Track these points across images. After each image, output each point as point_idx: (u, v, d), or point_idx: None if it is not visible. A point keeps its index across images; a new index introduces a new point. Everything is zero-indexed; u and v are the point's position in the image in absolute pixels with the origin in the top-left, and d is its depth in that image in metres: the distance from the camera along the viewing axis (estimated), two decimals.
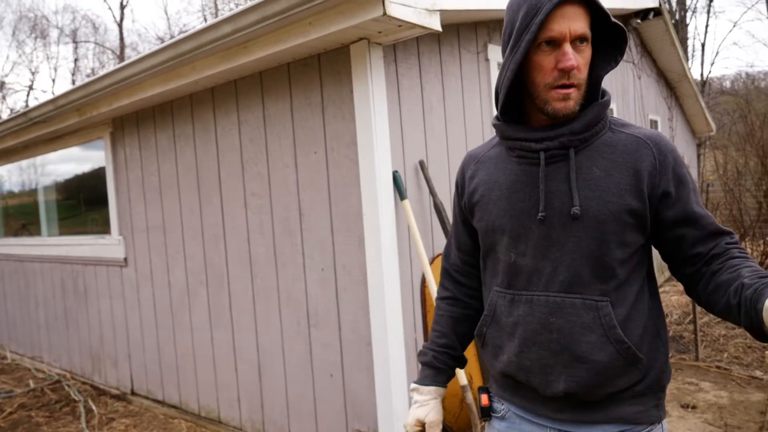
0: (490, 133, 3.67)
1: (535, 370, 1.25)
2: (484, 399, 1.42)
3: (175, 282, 4.01)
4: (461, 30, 3.46)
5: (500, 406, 1.39)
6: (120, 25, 26.56)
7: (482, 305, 1.44)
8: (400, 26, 2.51)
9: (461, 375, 2.83)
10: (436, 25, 2.59)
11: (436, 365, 1.48)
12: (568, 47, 1.13)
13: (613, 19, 1.16)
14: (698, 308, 5.09)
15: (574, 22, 1.13)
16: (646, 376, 1.22)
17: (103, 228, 4.72)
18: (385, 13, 2.29)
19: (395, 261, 2.83)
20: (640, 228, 1.20)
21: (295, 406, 3.25)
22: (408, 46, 3.02)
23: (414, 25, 2.50)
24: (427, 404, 1.44)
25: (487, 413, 1.43)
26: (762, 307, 0.97)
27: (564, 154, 1.21)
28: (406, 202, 2.84)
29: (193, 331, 3.90)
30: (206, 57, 3.04)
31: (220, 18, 2.75)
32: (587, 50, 1.17)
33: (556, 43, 1.15)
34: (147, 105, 3.97)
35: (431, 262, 3.05)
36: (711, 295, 1.13)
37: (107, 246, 4.60)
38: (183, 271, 3.92)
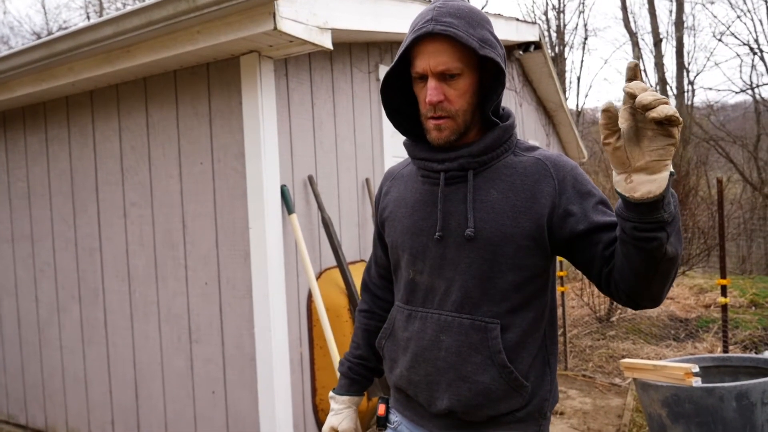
0: (381, 152, 3.77)
1: (422, 386, 1.28)
2: (381, 409, 1.46)
3: (43, 296, 3.72)
4: (353, 49, 3.53)
5: (395, 418, 1.42)
6: None
7: None
8: (291, 42, 2.53)
9: None
10: (327, 43, 2.63)
11: (351, 376, 1.52)
12: (431, 82, 1.18)
13: (482, 51, 1.16)
14: (568, 321, 5.48)
15: (434, 57, 1.16)
16: (528, 403, 1.24)
17: None
18: (275, 28, 2.30)
19: (281, 276, 2.81)
20: (538, 251, 1.20)
21: (174, 426, 3.12)
22: (300, 61, 3.04)
23: (305, 42, 2.53)
24: (342, 413, 1.49)
25: (382, 423, 1.46)
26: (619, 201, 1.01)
27: (463, 176, 1.23)
28: (294, 216, 2.84)
29: (63, 349, 3.63)
30: (85, 58, 2.89)
31: (102, 19, 2.63)
32: (460, 81, 1.19)
33: (426, 77, 1.19)
34: (15, 105, 3.68)
35: (318, 277, 3.07)
36: (615, 262, 1.11)
37: None
38: (53, 285, 3.65)
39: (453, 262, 1.23)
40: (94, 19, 2.74)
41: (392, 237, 1.36)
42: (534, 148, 1.27)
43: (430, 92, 1.17)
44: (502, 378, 1.20)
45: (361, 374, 1.53)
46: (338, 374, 1.57)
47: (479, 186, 1.22)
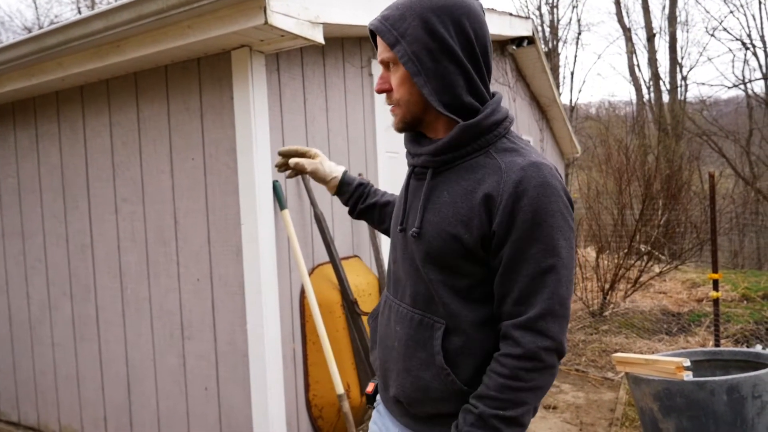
0: (373, 147, 3.76)
1: (381, 371, 1.34)
2: (370, 387, 1.50)
3: (34, 293, 3.70)
4: (346, 44, 3.52)
5: (379, 397, 1.46)
6: None
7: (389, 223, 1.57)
8: (282, 36, 2.51)
9: (338, 384, 2.85)
10: (319, 37, 2.62)
11: (357, 177, 1.69)
12: (381, 72, 1.26)
13: (393, 49, 1.16)
14: None
15: (378, 49, 1.25)
16: None
17: None
18: (266, 22, 2.28)
19: (274, 271, 2.80)
20: (474, 260, 1.15)
21: (166, 422, 3.11)
22: (292, 56, 3.02)
23: (297, 36, 2.51)
24: (317, 158, 1.68)
25: (370, 400, 1.50)
26: None
27: (425, 173, 1.25)
28: (286, 212, 2.83)
29: (55, 346, 3.61)
30: (75, 53, 2.86)
31: (91, 13, 2.61)
32: (398, 71, 1.20)
33: None
34: (5, 100, 3.65)
35: (311, 273, 3.06)
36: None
37: None
38: (44, 282, 3.63)
39: (410, 258, 1.25)
40: (84, 13, 2.72)
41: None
42: (511, 151, 1.16)
43: (376, 82, 1.27)
44: (440, 379, 1.18)
45: (358, 185, 1.64)
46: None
47: (437, 185, 1.22)
